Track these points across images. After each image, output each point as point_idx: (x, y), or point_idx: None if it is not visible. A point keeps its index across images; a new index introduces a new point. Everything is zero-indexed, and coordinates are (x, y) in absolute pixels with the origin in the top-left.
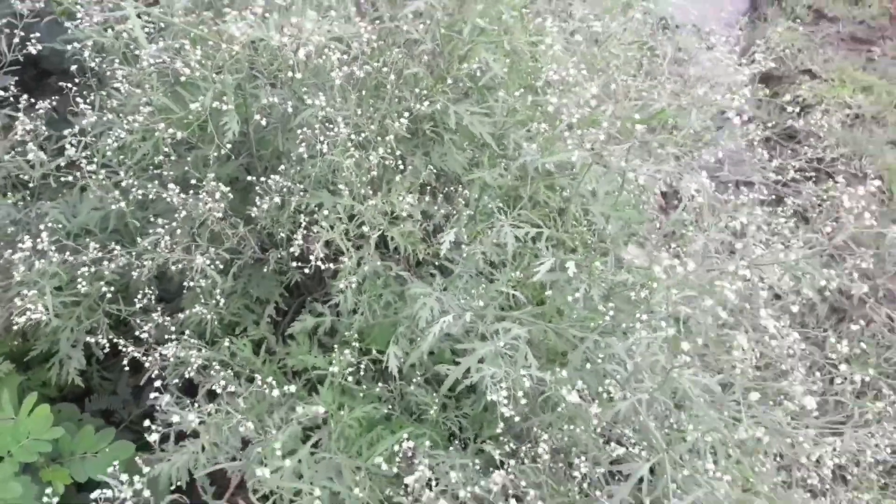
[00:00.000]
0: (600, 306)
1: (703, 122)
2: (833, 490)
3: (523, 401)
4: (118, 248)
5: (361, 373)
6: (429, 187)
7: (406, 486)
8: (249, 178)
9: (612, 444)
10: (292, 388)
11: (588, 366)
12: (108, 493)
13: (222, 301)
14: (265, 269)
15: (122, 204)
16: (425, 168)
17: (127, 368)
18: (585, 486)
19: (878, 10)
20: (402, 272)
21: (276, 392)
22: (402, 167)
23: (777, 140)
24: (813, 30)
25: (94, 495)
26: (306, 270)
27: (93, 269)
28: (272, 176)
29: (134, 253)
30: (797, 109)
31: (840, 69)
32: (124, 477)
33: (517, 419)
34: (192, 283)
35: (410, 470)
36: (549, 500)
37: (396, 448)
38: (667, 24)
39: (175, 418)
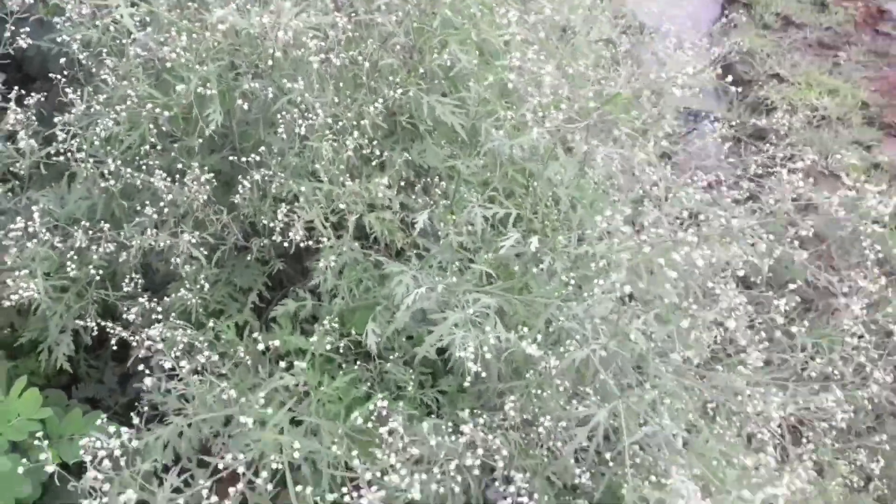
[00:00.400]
0: (563, 277)
1: (657, 106)
2: (784, 447)
3: (488, 355)
4: (107, 226)
5: (341, 352)
6: (405, 180)
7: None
8: (232, 158)
9: (575, 402)
10: (276, 343)
11: (550, 328)
12: (98, 443)
13: (207, 286)
14: (248, 258)
15: (112, 182)
16: (404, 163)
17: (115, 350)
18: (551, 444)
19: (843, 17)
20: (381, 257)
21: (260, 346)
22: (379, 155)
23: (748, 141)
24: (781, 36)
25: (82, 442)
26: (286, 244)
27: (84, 244)
28: (252, 155)
29: (122, 234)
30: (765, 111)
31: (807, 73)
32: (112, 429)
33: (490, 392)
34: (177, 261)
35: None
36: (517, 461)
37: (372, 408)
38: (632, 26)
39: (168, 380)
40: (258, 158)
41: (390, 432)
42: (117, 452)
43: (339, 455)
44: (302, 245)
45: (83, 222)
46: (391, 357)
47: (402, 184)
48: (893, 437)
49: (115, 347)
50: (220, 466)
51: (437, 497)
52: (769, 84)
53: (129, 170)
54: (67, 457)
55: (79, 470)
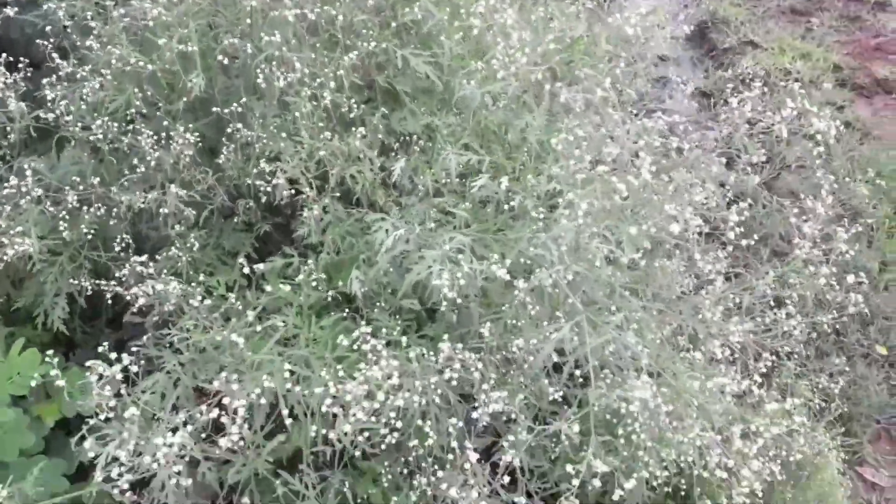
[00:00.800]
0: (533, 213)
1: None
2: (743, 361)
3: (462, 282)
4: (96, 180)
5: (329, 300)
6: (385, 146)
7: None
8: (215, 109)
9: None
10: (261, 267)
11: (522, 260)
12: (101, 369)
13: (196, 245)
14: (235, 221)
15: (100, 137)
16: (385, 129)
17: (110, 318)
18: (526, 366)
19: None
20: (363, 212)
21: (245, 269)
22: (357, 109)
23: (718, 97)
24: (755, 4)
25: (88, 363)
26: (269, 190)
27: (76, 205)
28: (235, 105)
29: (112, 191)
30: (739, 76)
31: (780, 39)
32: (113, 356)
33: (472, 335)
34: (167, 221)
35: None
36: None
37: (356, 334)
38: None
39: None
40: (240, 111)
41: (373, 349)
42: (118, 376)
43: (328, 379)
44: (287, 209)
45: (74, 178)
46: (377, 305)
47: (383, 146)
48: (864, 377)
49: (110, 312)
50: (215, 385)
51: (420, 411)
52: (743, 51)
53: (115, 125)
54: (68, 411)
55: (79, 426)
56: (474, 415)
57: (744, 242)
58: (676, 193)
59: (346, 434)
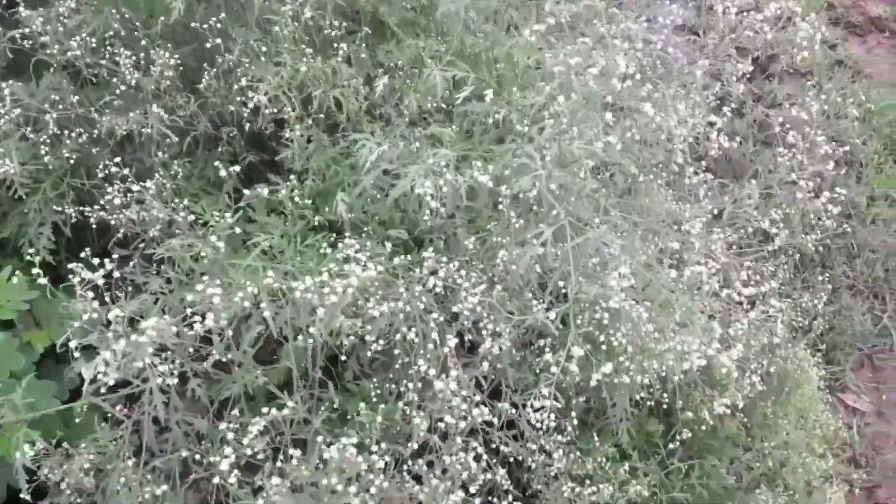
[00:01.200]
0: (518, 126)
1: None
2: (726, 272)
3: (445, 188)
4: (76, 98)
5: (315, 226)
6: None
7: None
8: (193, 24)
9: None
10: (235, 169)
11: (506, 174)
12: (84, 273)
13: (181, 173)
14: (220, 151)
15: (79, 56)
16: (370, 63)
17: (97, 253)
18: (508, 278)
19: None
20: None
21: (223, 172)
22: (340, 30)
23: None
24: None
25: (71, 266)
26: (251, 113)
27: (56, 129)
28: (213, 21)
29: (92, 111)
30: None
31: None
32: (96, 261)
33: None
34: (148, 134)
35: None
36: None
37: (341, 246)
38: None
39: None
40: (220, 27)
41: (356, 257)
42: (100, 282)
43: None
44: (271, 141)
45: (54, 97)
46: (364, 232)
47: (368, 77)
48: (849, 308)
49: (97, 246)
50: (199, 288)
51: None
52: None
53: (94, 42)
54: (57, 336)
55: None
56: (454, 308)
57: (727, 144)
58: (660, 101)
59: (321, 321)
